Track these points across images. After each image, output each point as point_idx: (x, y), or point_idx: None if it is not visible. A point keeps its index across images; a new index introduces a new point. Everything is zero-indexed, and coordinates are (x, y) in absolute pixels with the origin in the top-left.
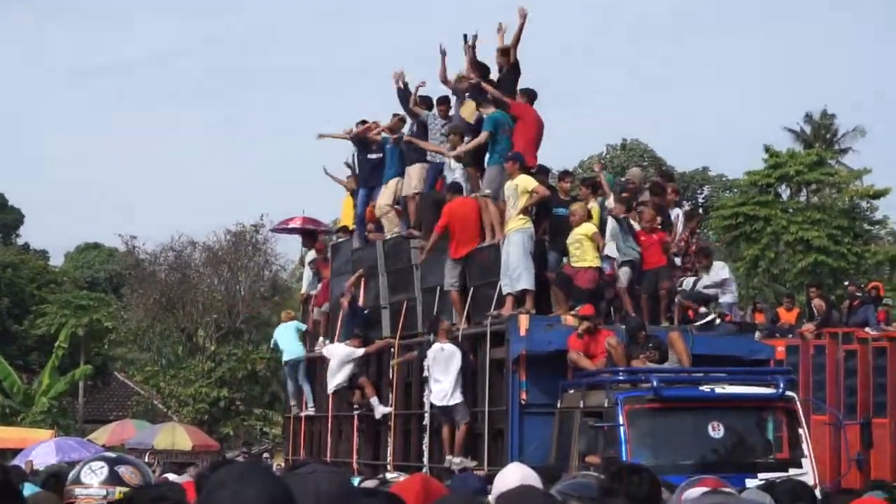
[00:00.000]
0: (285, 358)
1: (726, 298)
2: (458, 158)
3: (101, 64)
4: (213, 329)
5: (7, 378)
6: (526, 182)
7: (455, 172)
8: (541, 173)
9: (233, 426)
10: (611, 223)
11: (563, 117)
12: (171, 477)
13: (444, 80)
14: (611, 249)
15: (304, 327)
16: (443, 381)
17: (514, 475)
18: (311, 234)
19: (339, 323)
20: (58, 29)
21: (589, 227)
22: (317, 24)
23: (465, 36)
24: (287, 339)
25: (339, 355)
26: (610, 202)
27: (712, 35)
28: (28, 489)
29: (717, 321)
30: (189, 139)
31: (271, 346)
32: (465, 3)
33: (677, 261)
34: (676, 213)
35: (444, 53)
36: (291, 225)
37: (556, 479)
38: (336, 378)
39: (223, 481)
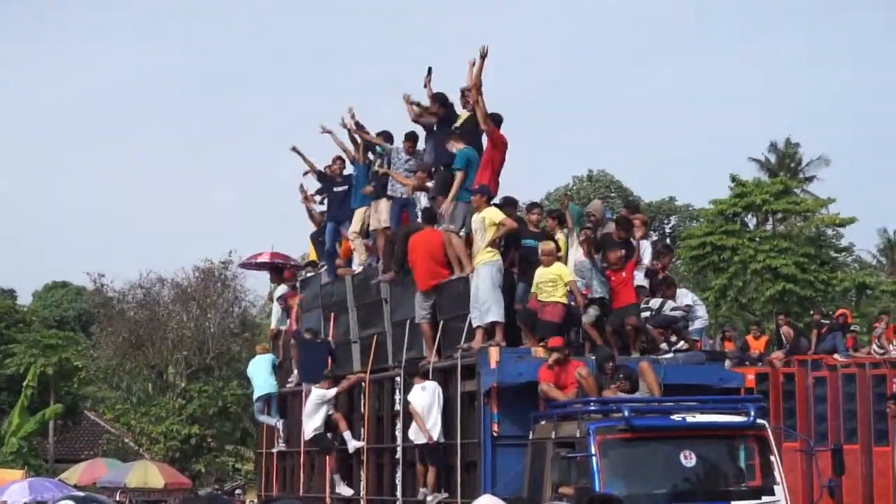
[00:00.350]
0: (257, 394)
1: (696, 325)
2: (424, 190)
3: (65, 97)
4: (183, 366)
5: None
6: (493, 215)
7: (421, 203)
8: (509, 205)
9: (205, 463)
10: (579, 263)
11: (530, 149)
12: None
13: (415, 121)
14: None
15: (276, 361)
16: (432, 418)
17: None
18: (278, 268)
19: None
20: (22, 63)
21: (565, 272)
22: (290, 56)
23: (429, 69)
24: (261, 373)
25: (312, 399)
26: (574, 240)
27: (675, 66)
28: None
29: (686, 347)
30: (156, 176)
31: (248, 376)
32: (437, 37)
33: (645, 283)
34: (645, 246)
35: (406, 99)
36: (259, 260)
37: None
38: (312, 421)
39: None
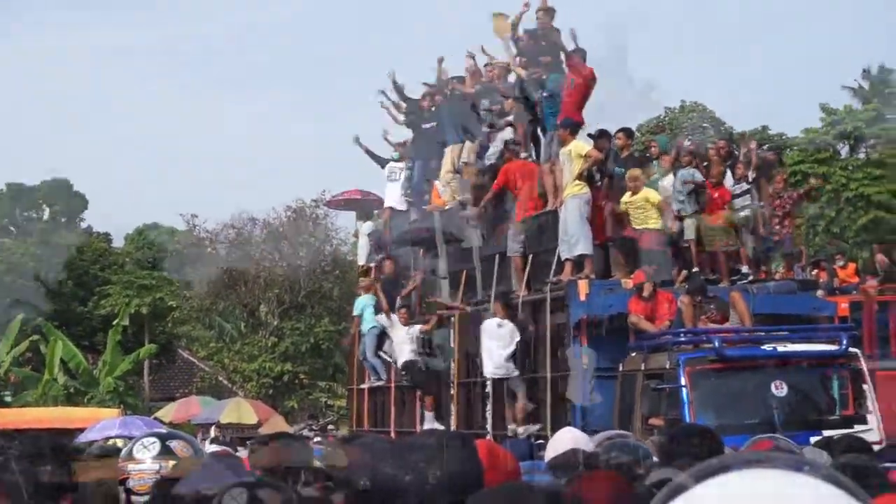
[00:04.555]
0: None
1: None
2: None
3: (155, 44)
4: (275, 304)
5: (73, 359)
6: (579, 147)
7: (502, 134)
8: (602, 137)
9: (297, 400)
10: (668, 180)
11: (621, 80)
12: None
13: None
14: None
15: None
16: (497, 356)
17: (565, 439)
18: (365, 205)
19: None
20: (112, 7)
21: (652, 194)
22: (377, 6)
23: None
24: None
25: (403, 331)
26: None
27: None
28: None
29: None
30: (248, 119)
31: (356, 313)
32: None
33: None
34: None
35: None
36: (345, 197)
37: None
38: (404, 351)
39: None
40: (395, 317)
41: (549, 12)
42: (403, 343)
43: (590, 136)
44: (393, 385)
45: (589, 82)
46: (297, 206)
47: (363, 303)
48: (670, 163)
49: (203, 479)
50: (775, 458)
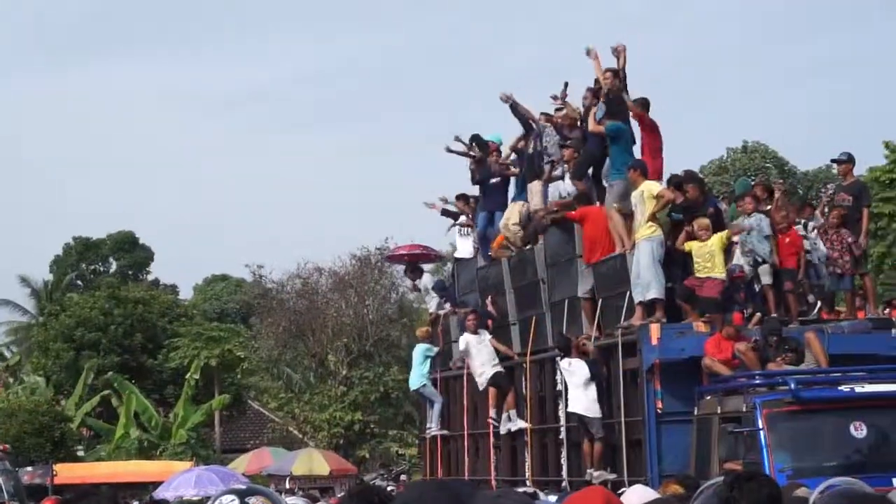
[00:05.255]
0: (412, 386)
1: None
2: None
3: (221, 93)
4: (343, 353)
5: (145, 412)
6: (651, 187)
7: (563, 185)
8: (690, 180)
9: (368, 449)
10: (752, 220)
11: (680, 121)
12: None
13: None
14: (741, 253)
15: (433, 351)
16: (579, 394)
17: (635, 494)
18: (416, 265)
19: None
20: (179, 59)
21: (718, 246)
22: (443, 46)
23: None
24: (414, 365)
25: (474, 344)
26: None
27: (827, 32)
28: None
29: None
30: (313, 165)
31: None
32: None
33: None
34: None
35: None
36: (400, 252)
37: (694, 488)
38: (485, 364)
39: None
40: (467, 335)
41: (617, 75)
42: (482, 354)
43: (677, 180)
44: (466, 432)
45: (653, 132)
46: (362, 255)
47: (422, 349)
48: (753, 208)
49: (187, 485)
50: None
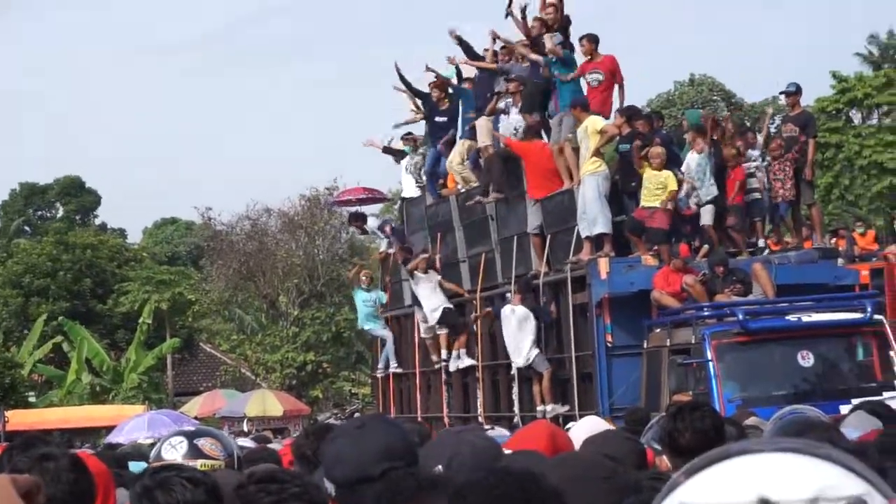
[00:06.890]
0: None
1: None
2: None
3: (168, 39)
4: (294, 294)
5: (96, 356)
6: (595, 123)
7: (510, 119)
8: (635, 115)
9: (321, 389)
10: (694, 160)
11: (628, 57)
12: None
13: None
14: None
15: (370, 299)
16: (516, 344)
17: (584, 428)
18: (358, 213)
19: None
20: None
21: (672, 181)
22: None
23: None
24: (357, 307)
25: (424, 283)
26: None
27: None
28: (134, 466)
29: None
30: (261, 105)
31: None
32: None
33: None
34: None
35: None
36: (346, 197)
37: (644, 421)
38: (433, 302)
39: (344, 430)
40: (417, 273)
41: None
42: (429, 292)
43: (630, 115)
44: (418, 370)
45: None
46: (311, 195)
47: (358, 297)
48: (707, 143)
49: (139, 429)
50: (777, 442)
